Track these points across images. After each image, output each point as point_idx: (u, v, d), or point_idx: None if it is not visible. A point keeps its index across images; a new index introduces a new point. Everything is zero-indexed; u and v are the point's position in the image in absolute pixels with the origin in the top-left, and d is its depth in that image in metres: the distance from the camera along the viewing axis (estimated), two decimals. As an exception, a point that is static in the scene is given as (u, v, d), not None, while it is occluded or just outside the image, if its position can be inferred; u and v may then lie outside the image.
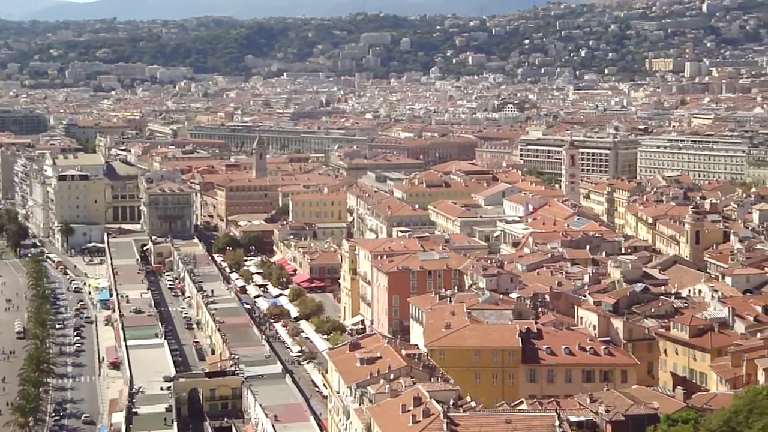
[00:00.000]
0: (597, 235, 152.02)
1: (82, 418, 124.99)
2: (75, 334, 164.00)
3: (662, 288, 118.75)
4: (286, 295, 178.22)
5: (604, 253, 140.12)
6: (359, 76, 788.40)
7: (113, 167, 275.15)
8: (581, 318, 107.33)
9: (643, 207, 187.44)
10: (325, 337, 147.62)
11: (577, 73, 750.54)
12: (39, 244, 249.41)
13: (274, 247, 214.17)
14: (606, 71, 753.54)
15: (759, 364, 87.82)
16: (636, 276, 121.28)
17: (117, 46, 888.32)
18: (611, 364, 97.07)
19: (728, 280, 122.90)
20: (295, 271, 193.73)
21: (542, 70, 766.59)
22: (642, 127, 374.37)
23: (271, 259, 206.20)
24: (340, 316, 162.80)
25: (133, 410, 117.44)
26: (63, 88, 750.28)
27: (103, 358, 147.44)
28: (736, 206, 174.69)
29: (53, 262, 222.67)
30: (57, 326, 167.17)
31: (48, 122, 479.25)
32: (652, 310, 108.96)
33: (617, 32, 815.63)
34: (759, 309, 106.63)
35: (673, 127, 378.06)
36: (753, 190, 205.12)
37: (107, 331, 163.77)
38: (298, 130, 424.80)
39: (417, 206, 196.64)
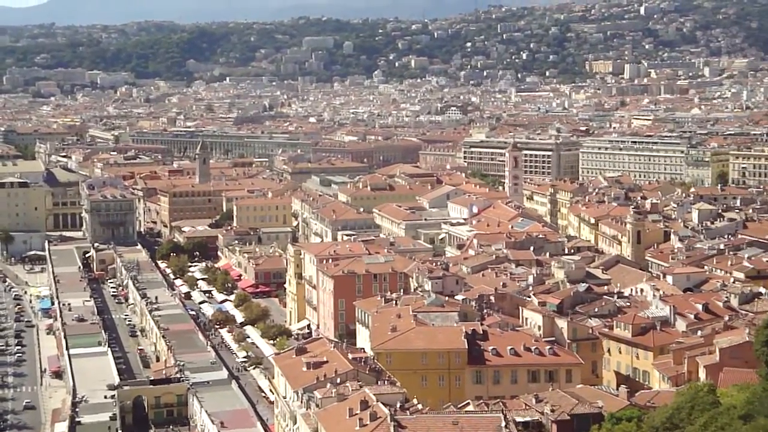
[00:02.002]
0: (540, 236, 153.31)
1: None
2: (16, 343, 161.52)
3: (605, 288, 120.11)
4: (231, 301, 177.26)
5: (547, 254, 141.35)
6: (302, 80, 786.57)
7: (53, 174, 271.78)
8: (526, 319, 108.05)
9: (586, 208, 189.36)
10: (271, 342, 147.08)
11: (519, 75, 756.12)
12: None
13: (219, 253, 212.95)
14: (547, 73, 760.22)
15: (700, 362, 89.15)
16: (579, 276, 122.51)
17: (56, 51, 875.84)
18: (556, 364, 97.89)
19: (669, 279, 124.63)
20: (240, 276, 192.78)
21: (484, 73, 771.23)
22: (583, 128, 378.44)
23: (216, 265, 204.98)
24: (285, 321, 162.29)
25: (77, 419, 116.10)
26: (1, 94, 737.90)
27: (45, 369, 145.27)
28: (675, 206, 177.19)
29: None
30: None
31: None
32: (596, 310, 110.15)
33: (558, 35, 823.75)
34: (699, 307, 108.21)
35: (614, 128, 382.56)
36: (692, 189, 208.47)
37: (49, 340, 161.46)
38: (241, 135, 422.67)
39: (362, 210, 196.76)
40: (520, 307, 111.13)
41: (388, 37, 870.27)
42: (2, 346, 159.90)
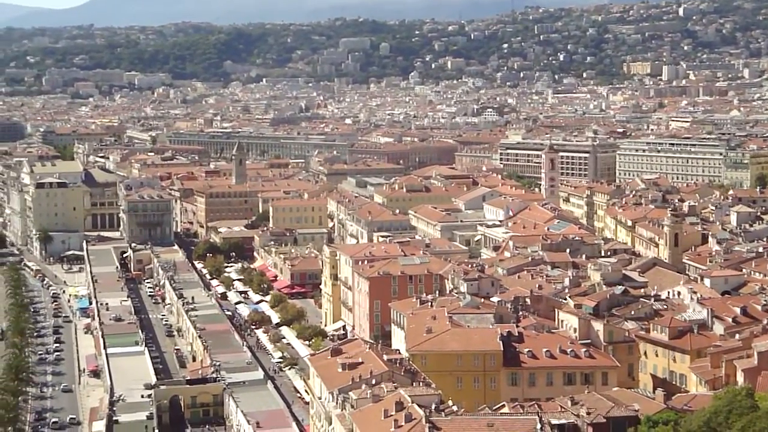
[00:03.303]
0: (577, 238, 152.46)
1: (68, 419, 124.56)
2: (54, 341, 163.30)
3: (642, 290, 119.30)
4: (267, 301, 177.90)
5: (584, 256, 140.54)
6: (338, 81, 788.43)
7: (92, 174, 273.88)
8: (562, 321, 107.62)
9: (623, 210, 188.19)
10: (307, 342, 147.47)
11: (556, 76, 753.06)
12: (17, 252, 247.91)
13: (255, 254, 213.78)
14: (584, 75, 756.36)
15: (738, 365, 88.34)
16: (616, 279, 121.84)
17: (95, 52, 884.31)
18: (592, 367, 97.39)
19: (707, 281, 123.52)
20: (276, 277, 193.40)
21: (521, 74, 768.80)
22: (621, 130, 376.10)
23: (252, 266, 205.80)
24: (321, 322, 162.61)
25: (114, 418, 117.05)
26: (40, 95, 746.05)
27: (84, 369, 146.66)
28: (713, 208, 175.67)
29: (31, 270, 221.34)
30: (36, 334, 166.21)
31: (25, 129, 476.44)
32: (632, 313, 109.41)
33: (595, 36, 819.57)
34: (737, 310, 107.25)
35: (652, 130, 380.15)
36: (730, 192, 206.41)
37: (87, 339, 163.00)
38: (277, 136, 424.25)
39: (397, 211, 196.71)
40: (555, 310, 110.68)
41: (424, 39, 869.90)
42: (41, 345, 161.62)
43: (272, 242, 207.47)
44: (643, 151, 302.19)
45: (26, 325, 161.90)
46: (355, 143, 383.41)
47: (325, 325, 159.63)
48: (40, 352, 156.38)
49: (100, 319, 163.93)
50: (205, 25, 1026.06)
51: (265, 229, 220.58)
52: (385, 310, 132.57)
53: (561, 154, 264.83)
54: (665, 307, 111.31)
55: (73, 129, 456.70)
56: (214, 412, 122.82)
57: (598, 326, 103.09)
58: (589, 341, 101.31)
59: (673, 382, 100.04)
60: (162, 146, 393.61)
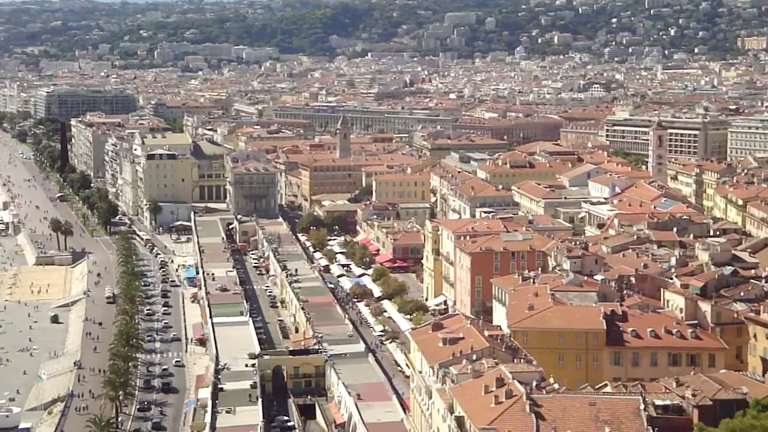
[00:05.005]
0: (685, 217, 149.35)
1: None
2: (163, 309, 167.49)
3: (752, 271, 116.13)
4: (369, 275, 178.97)
5: (691, 236, 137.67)
6: (443, 56, 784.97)
7: (200, 147, 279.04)
8: (668, 301, 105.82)
9: (733, 189, 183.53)
10: (408, 317, 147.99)
11: (666, 52, 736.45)
12: (128, 221, 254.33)
13: (358, 227, 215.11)
14: (696, 50, 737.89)
15: None
16: (725, 259, 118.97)
17: (204, 26, 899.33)
18: (698, 348, 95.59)
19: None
20: (378, 251, 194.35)
21: (630, 50, 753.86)
22: (733, 107, 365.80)
23: (355, 239, 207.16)
24: (422, 296, 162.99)
25: (219, 386, 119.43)
26: (152, 68, 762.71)
27: (191, 338, 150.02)
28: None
29: (141, 239, 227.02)
30: (146, 302, 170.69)
31: (137, 102, 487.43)
32: (742, 294, 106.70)
33: (708, 10, 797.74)
34: None
35: (766, 107, 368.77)
36: None
37: (193, 308, 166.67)
38: (381, 111, 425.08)
39: (501, 187, 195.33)
40: (661, 289, 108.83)
41: (531, 13, 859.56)
42: (150, 312, 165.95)
43: (375, 216, 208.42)
44: (757, 128, 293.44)
45: (136, 293, 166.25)
46: (459, 118, 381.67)
47: (427, 300, 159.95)
48: (149, 319, 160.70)
49: (206, 289, 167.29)
50: (312, 0, 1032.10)
51: (368, 203, 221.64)
52: (486, 285, 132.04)
53: (669, 131, 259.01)
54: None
55: (183, 102, 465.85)
56: (316, 383, 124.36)
57: (705, 307, 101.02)
58: (695, 322, 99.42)
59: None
60: (268, 120, 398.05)
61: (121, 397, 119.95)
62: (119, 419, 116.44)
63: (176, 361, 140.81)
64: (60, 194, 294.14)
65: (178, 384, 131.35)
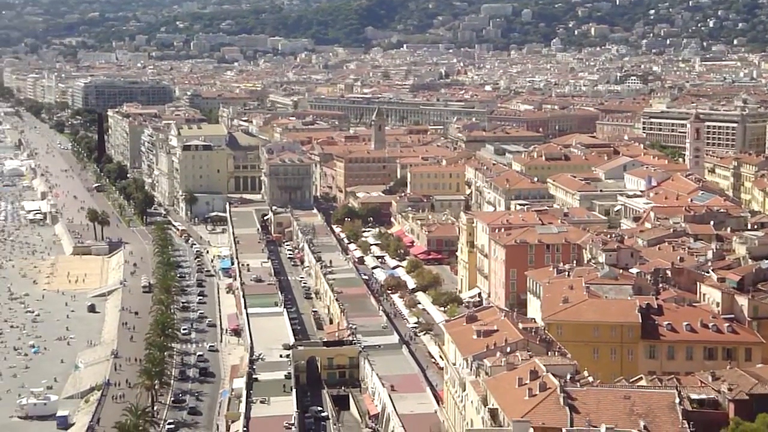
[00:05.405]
0: (722, 210, 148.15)
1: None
2: (198, 300, 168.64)
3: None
4: (403, 267, 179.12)
5: (728, 229, 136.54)
6: (479, 47, 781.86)
7: (235, 138, 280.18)
8: (704, 295, 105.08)
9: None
10: (442, 309, 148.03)
11: (705, 44, 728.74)
12: (164, 212, 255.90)
13: (392, 219, 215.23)
14: (735, 42, 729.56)
15: None
16: (763, 252, 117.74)
17: (240, 18, 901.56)
18: (735, 342, 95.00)
19: None
20: (412, 242, 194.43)
21: (668, 41, 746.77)
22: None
23: (389, 231, 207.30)
24: (457, 289, 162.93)
25: (254, 376, 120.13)
26: (188, 59, 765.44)
27: (226, 329, 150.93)
28: None
29: (177, 230, 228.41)
30: (181, 293, 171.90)
31: (173, 93, 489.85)
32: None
33: (748, 1, 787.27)
34: None
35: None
36: None
37: (228, 299, 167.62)
38: (417, 102, 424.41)
39: (536, 179, 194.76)
40: (697, 283, 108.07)
41: (567, 5, 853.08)
42: (185, 303, 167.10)
43: (409, 208, 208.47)
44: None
45: (172, 283, 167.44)
46: (495, 110, 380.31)
47: (461, 292, 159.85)
48: (185, 309, 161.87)
49: (241, 280, 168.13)
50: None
51: (403, 194, 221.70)
52: (521, 278, 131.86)
53: (707, 123, 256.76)
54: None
55: (219, 93, 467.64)
56: (350, 374, 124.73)
57: (742, 301, 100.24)
58: (732, 316, 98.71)
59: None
60: (303, 111, 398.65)
61: (156, 387, 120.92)
62: (155, 408, 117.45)
63: (210, 346, 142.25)
64: (97, 185, 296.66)
65: (214, 370, 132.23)
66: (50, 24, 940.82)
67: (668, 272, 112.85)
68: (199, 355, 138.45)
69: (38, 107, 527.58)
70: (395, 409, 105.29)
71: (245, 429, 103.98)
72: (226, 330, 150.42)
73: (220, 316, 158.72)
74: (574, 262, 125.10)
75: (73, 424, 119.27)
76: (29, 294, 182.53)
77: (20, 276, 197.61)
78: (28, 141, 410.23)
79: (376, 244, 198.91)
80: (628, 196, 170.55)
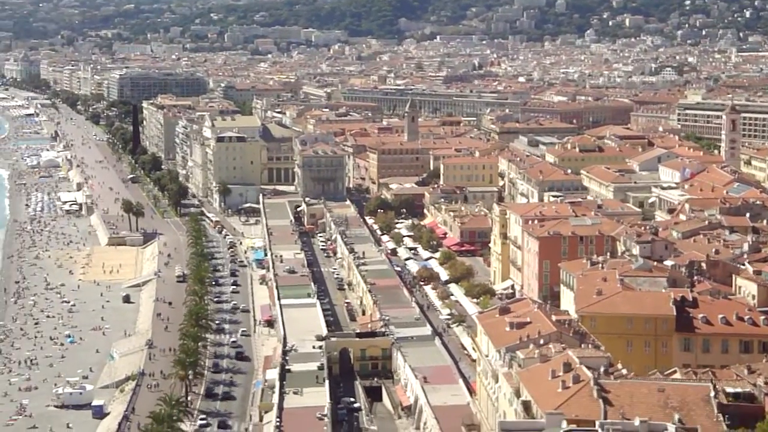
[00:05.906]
0: (758, 202, 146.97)
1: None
2: (231, 290, 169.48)
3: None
4: (436, 258, 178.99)
5: (765, 221, 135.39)
6: (513, 39, 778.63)
7: (269, 129, 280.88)
8: (740, 287, 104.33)
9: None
10: (475, 300, 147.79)
11: (741, 34, 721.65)
12: (198, 203, 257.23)
13: (425, 210, 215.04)
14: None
15: None
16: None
17: (274, 9, 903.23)
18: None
19: None
20: (445, 234, 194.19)
21: (703, 32, 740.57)
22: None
23: (422, 222, 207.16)
24: (489, 280, 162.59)
25: (287, 367, 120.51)
26: (222, 51, 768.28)
27: (259, 320, 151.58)
28: None
29: (211, 221, 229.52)
30: (215, 283, 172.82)
31: (207, 85, 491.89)
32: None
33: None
34: None
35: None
36: None
37: (262, 290, 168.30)
38: (450, 94, 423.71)
39: (569, 171, 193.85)
40: (733, 275, 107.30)
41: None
42: (219, 293, 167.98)
43: (442, 199, 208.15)
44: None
45: (206, 274, 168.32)
46: (528, 102, 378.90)
47: (494, 284, 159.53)
48: (218, 299, 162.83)
49: (274, 271, 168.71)
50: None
51: (436, 186, 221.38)
52: (554, 270, 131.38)
53: (743, 115, 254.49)
54: None
55: (252, 84, 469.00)
56: (383, 366, 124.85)
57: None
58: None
59: None
60: (336, 102, 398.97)
61: (190, 377, 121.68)
62: (189, 398, 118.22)
63: (242, 331, 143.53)
64: (132, 176, 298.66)
65: (247, 365, 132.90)
66: (86, 16, 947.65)
67: (703, 264, 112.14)
68: (233, 342, 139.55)
69: (74, 99, 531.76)
70: (428, 401, 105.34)
71: (278, 420, 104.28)
72: (259, 321, 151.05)
73: (253, 307, 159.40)
74: (608, 254, 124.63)
75: (108, 414, 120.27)
76: (65, 284, 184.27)
77: (56, 266, 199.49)
78: (64, 132, 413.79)
79: (408, 236, 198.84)
80: (663, 188, 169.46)
